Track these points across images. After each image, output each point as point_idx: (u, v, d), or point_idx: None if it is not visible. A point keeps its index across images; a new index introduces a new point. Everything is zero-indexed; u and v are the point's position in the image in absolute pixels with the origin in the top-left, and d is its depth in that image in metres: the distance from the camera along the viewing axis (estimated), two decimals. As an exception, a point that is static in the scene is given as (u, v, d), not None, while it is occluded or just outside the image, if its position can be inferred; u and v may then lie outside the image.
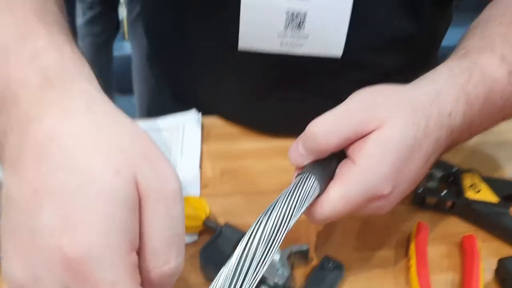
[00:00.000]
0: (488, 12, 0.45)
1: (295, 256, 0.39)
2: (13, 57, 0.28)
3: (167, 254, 0.25)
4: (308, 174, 0.33)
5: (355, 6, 0.45)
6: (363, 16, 0.47)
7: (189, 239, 0.42)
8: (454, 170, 0.47)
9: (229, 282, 0.26)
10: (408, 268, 0.40)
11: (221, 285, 0.26)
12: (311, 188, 0.32)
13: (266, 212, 0.30)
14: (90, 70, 0.30)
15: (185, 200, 0.42)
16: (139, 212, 0.25)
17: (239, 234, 0.40)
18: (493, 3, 0.46)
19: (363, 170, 0.33)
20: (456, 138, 0.38)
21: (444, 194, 0.45)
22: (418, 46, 0.54)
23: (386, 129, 0.33)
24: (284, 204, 0.31)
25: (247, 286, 0.27)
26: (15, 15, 0.31)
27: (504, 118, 0.42)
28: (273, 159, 0.52)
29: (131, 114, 0.29)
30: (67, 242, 0.23)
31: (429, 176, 0.46)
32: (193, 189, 0.48)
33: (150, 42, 0.65)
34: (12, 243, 0.25)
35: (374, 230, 0.44)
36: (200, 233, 0.43)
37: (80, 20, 1.71)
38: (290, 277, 0.38)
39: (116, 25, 1.84)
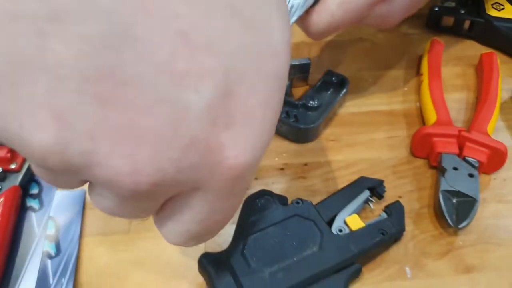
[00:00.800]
0: None
1: (295, 71, 0.36)
2: None
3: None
4: None
5: None
6: None
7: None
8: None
9: None
10: (419, 84, 0.37)
11: None
12: None
13: None
14: None
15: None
16: None
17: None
18: None
19: None
20: None
21: (463, 12, 0.41)
22: None
23: None
24: None
25: None
26: None
27: None
28: None
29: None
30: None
31: (447, -5, 0.42)
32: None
33: None
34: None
35: (383, 51, 0.40)
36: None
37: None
38: (289, 89, 0.35)
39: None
